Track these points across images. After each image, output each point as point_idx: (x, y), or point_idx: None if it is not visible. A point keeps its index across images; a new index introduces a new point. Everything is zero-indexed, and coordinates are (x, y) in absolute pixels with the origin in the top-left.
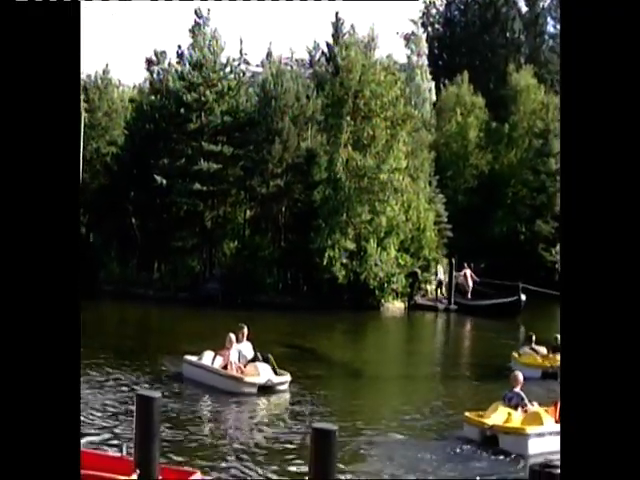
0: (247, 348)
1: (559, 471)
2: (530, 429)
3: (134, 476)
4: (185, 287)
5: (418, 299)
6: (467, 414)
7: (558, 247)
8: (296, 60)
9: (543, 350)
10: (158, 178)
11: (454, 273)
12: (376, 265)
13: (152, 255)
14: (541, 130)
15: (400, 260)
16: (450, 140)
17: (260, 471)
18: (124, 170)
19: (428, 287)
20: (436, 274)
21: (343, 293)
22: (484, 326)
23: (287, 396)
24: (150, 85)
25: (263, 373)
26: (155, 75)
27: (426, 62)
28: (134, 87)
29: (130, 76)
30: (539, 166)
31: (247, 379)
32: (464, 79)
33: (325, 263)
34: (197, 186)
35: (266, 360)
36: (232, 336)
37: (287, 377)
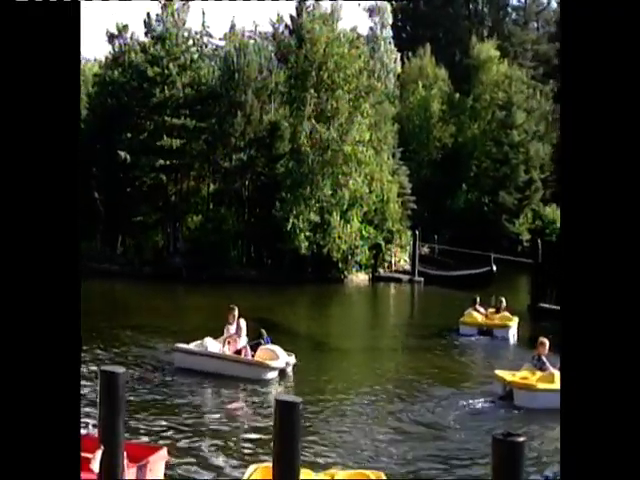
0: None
1: (522, 439)
2: (540, 386)
3: (98, 453)
4: (149, 262)
5: (382, 271)
6: (496, 372)
7: (521, 218)
8: (259, 33)
9: (487, 311)
10: (122, 154)
11: (417, 244)
12: (339, 237)
13: (116, 230)
14: (504, 102)
15: (364, 232)
16: (413, 112)
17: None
18: (86, 145)
19: (392, 259)
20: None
21: (307, 266)
22: (453, 297)
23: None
24: (112, 59)
25: (281, 355)
26: (117, 49)
27: (390, 34)
28: (95, 61)
29: (91, 50)
30: (502, 138)
31: (272, 364)
32: (426, 51)
33: (289, 236)
34: (161, 161)
35: (260, 336)
36: (236, 314)
37: (293, 356)
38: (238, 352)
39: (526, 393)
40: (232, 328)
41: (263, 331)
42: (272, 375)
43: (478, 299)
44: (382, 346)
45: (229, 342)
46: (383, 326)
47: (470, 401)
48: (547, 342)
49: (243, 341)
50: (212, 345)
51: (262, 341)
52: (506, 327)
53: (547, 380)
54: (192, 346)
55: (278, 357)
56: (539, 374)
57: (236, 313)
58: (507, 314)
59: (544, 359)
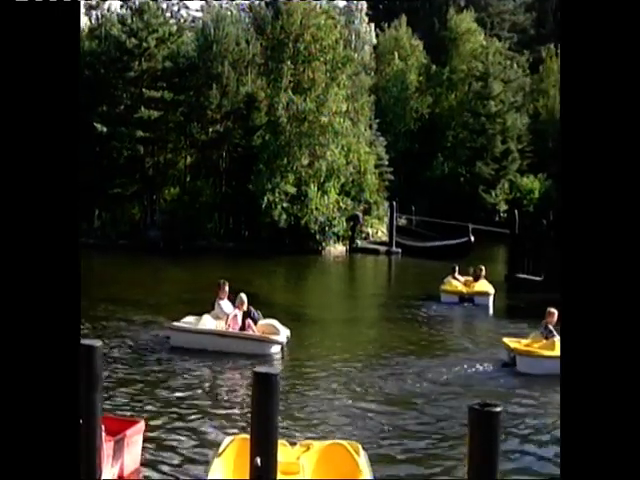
0: (228, 305)
1: (498, 409)
2: (543, 353)
3: None
4: (126, 234)
5: (360, 242)
6: (504, 339)
7: (498, 188)
8: (236, 4)
9: (466, 279)
10: (98, 126)
11: (395, 215)
12: (317, 209)
13: (92, 203)
14: (481, 73)
15: (341, 204)
16: (390, 84)
17: None
18: None
19: (369, 230)
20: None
21: (284, 237)
22: (431, 267)
23: None
24: (89, 30)
25: (281, 329)
26: (94, 21)
27: (365, 5)
28: None
29: None
30: (479, 109)
31: (276, 338)
32: (402, 22)
33: (265, 209)
34: (139, 132)
35: (249, 313)
36: (227, 289)
37: (288, 331)
38: (242, 329)
39: (528, 360)
40: (224, 304)
41: (251, 307)
42: (275, 349)
43: (457, 268)
44: (364, 317)
45: (232, 320)
46: (362, 297)
47: (466, 367)
48: (555, 312)
49: (239, 316)
50: (209, 322)
51: (255, 317)
52: (487, 294)
53: (549, 347)
54: (185, 323)
55: (279, 331)
56: (543, 342)
57: (227, 288)
58: (486, 282)
59: (551, 328)
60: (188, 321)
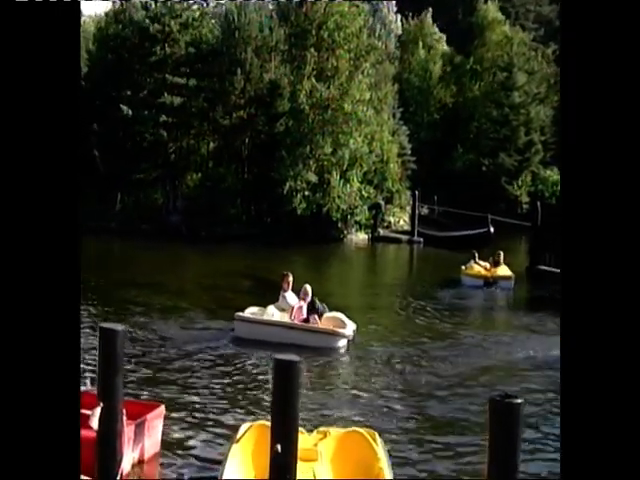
0: (293, 297)
1: (519, 401)
2: None
3: (97, 410)
4: (148, 219)
5: (382, 231)
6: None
7: (520, 180)
8: None
9: (485, 264)
10: (124, 108)
11: (417, 204)
12: (339, 197)
13: (115, 187)
14: (505, 63)
15: (363, 192)
16: (413, 73)
17: None
18: (86, 102)
19: (391, 219)
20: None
21: (307, 225)
22: (451, 258)
23: None
24: (113, 15)
25: (348, 323)
26: (118, 5)
27: None
28: (96, 17)
29: (92, 6)
30: (502, 99)
31: (343, 331)
32: (428, 13)
33: (286, 197)
34: (163, 117)
35: (314, 305)
36: (290, 280)
37: (354, 325)
38: (305, 321)
39: None
40: (288, 295)
41: (316, 299)
42: (342, 343)
43: (477, 254)
44: (386, 304)
45: (296, 311)
46: (385, 285)
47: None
48: None
49: (304, 308)
50: (276, 313)
51: (320, 309)
52: (509, 278)
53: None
54: (250, 314)
55: (345, 324)
56: None
57: (290, 279)
58: (505, 267)
59: None
60: (252, 311)
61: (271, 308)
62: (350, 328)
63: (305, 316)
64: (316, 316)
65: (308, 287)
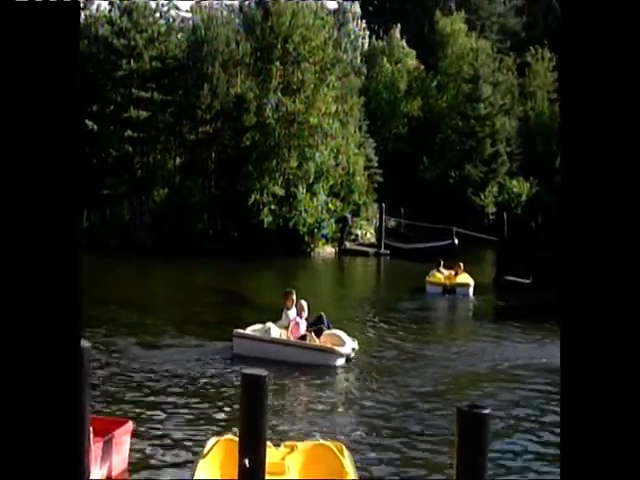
0: (294, 314)
1: (487, 411)
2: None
3: None
4: (115, 235)
5: (348, 244)
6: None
7: (487, 191)
8: (226, 5)
9: (449, 272)
10: (90, 123)
11: (384, 217)
12: (306, 210)
13: (81, 204)
14: (470, 75)
15: (330, 205)
16: (380, 86)
17: None
18: None
19: (358, 232)
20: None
21: (274, 239)
22: (415, 270)
23: None
24: None
25: (347, 341)
26: (82, 20)
27: (358, 8)
28: None
29: None
30: (468, 111)
31: (340, 350)
32: (397, 28)
33: (253, 210)
34: (129, 132)
35: (320, 320)
36: (294, 297)
37: (356, 342)
38: (302, 338)
39: None
40: (291, 313)
41: (323, 314)
42: (340, 362)
43: (442, 262)
44: (353, 317)
45: (292, 327)
46: (352, 298)
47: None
48: None
49: (303, 326)
50: (274, 331)
51: (323, 326)
52: (467, 286)
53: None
54: (251, 331)
55: (344, 343)
56: None
57: (294, 297)
58: (467, 275)
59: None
60: (253, 329)
61: (270, 325)
62: (349, 346)
63: (302, 332)
64: (313, 334)
65: (304, 303)
